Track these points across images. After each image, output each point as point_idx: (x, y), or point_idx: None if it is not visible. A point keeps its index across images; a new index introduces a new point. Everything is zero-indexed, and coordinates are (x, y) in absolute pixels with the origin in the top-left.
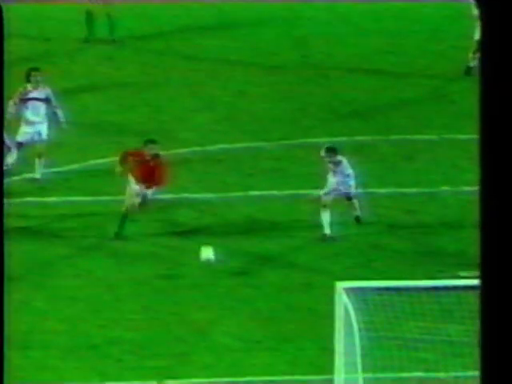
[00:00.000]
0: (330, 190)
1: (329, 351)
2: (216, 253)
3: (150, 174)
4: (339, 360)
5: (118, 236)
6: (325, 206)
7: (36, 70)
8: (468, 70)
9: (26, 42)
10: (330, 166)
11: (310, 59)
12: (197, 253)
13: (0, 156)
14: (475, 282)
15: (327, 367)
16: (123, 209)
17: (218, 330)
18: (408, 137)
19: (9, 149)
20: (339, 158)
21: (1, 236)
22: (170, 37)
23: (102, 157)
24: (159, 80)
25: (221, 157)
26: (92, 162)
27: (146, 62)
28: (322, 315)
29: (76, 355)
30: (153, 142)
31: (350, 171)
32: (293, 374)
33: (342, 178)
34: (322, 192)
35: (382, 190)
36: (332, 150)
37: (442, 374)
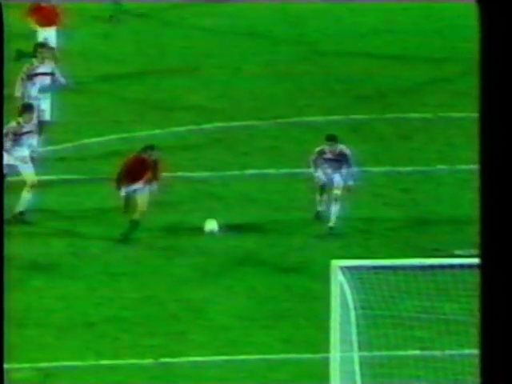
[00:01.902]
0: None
1: (324, 329)
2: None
3: (141, 171)
4: (335, 338)
5: (126, 238)
6: (336, 200)
7: (43, 45)
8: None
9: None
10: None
11: (306, 38)
12: (192, 231)
13: (0, 156)
14: (471, 260)
15: (323, 345)
16: (137, 215)
17: (214, 308)
18: (403, 115)
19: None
20: (340, 147)
21: (1, 236)
22: (165, 15)
23: (97, 136)
24: (155, 58)
25: (217, 135)
26: (87, 140)
27: (141, 40)
28: (317, 294)
29: (72, 334)
30: (152, 148)
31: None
32: (288, 353)
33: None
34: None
35: (378, 169)
36: (333, 139)
37: (437, 353)
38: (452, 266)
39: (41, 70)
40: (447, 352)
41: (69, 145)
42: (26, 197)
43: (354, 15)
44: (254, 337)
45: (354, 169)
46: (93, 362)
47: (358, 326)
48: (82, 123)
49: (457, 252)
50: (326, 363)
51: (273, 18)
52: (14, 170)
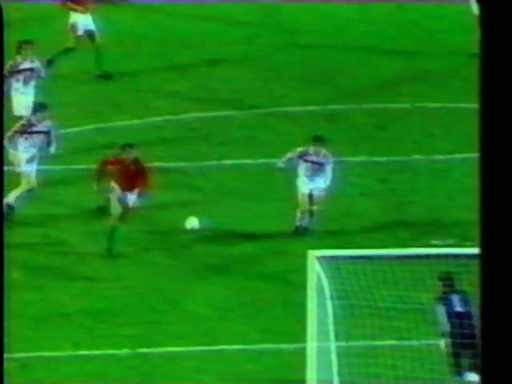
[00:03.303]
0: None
1: (301, 319)
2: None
3: (131, 180)
4: (312, 328)
5: (111, 252)
6: (312, 215)
7: (27, 42)
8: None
9: None
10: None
11: (283, 28)
12: (170, 221)
13: (0, 156)
14: (447, 250)
15: (300, 335)
16: (110, 222)
17: (191, 298)
18: (380, 105)
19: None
20: (324, 150)
21: (1, 236)
22: (141, 6)
23: (74, 126)
24: (132, 49)
25: (194, 125)
26: (62, 131)
27: (118, 30)
28: (294, 284)
29: (49, 324)
30: (130, 146)
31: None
32: (266, 343)
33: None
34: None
35: (355, 159)
36: (319, 139)
37: (414, 342)
38: (428, 256)
39: (24, 66)
40: (424, 342)
41: None
42: (20, 195)
43: (329, 6)
44: (232, 327)
45: (330, 176)
46: (70, 353)
47: (334, 315)
48: (59, 113)
49: (433, 242)
50: (303, 353)
51: (250, 8)
52: (17, 168)
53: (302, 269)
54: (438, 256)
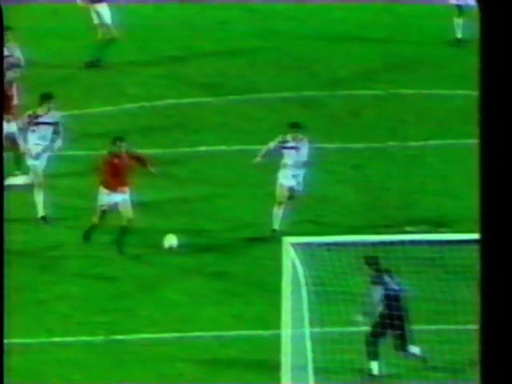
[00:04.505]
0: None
1: (276, 306)
2: (161, 208)
3: (123, 174)
4: (286, 315)
5: (87, 239)
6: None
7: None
8: None
9: None
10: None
11: (257, 14)
12: (144, 207)
13: (0, 156)
14: (421, 236)
15: (274, 322)
16: (124, 223)
17: (165, 285)
18: (355, 92)
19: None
20: (301, 136)
21: (1, 236)
22: None
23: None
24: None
25: (168, 112)
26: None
27: (92, 18)
28: (269, 270)
29: (23, 311)
30: (121, 139)
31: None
32: (240, 329)
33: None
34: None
35: (329, 145)
36: (296, 126)
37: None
38: (403, 243)
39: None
40: None
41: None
42: (40, 199)
43: None
44: (205, 313)
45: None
46: (44, 339)
47: (309, 302)
48: (32, 100)
49: (407, 228)
50: (277, 339)
51: None
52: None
53: (276, 255)
54: (412, 242)
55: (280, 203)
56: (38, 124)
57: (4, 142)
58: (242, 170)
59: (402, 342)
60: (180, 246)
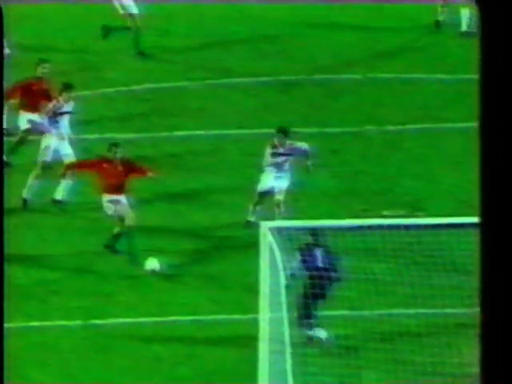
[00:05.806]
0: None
1: (253, 291)
2: (138, 193)
3: (119, 181)
4: (264, 299)
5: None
6: (278, 205)
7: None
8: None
9: None
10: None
11: None
12: None
13: (0, 156)
14: (399, 220)
15: (252, 307)
16: (130, 223)
17: (143, 269)
18: (332, 76)
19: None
20: (289, 142)
21: (1, 236)
22: None
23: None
24: (82, 20)
25: (145, 96)
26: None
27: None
28: (246, 254)
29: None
30: (116, 145)
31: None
32: (218, 314)
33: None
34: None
35: (307, 130)
36: (282, 131)
37: (366, 313)
38: (380, 227)
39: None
40: (375, 312)
41: None
42: (63, 183)
43: None
44: (183, 298)
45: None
46: (22, 324)
47: (287, 286)
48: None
49: (385, 213)
50: (255, 324)
51: None
52: (57, 155)
53: (254, 239)
54: (389, 226)
55: (257, 203)
56: (61, 114)
57: (33, 133)
58: (220, 155)
59: (307, 322)
60: (158, 230)
